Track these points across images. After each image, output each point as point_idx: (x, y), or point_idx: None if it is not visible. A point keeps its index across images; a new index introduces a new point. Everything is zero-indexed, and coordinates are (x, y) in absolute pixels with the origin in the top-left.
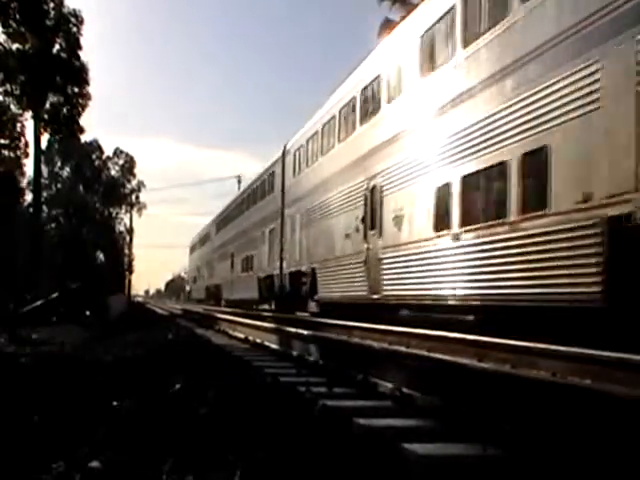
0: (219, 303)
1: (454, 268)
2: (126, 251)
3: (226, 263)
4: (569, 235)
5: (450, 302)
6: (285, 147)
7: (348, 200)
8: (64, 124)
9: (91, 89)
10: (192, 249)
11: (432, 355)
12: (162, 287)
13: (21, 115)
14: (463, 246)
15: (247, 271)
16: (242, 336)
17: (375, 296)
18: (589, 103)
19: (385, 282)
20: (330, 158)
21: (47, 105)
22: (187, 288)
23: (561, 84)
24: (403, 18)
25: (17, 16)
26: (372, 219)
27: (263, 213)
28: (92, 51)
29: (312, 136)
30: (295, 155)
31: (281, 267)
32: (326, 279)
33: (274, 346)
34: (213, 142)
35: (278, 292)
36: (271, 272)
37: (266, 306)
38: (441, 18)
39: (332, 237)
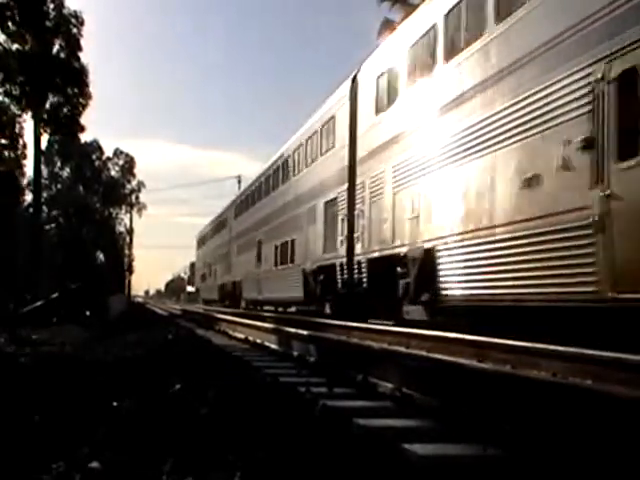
0: (237, 305)
1: None
2: (126, 251)
3: (250, 255)
4: None
5: None
6: (355, 77)
7: (537, 115)
8: (64, 124)
9: (91, 90)
10: (200, 242)
11: (431, 355)
12: (162, 287)
13: (20, 116)
14: None
15: (284, 263)
16: (242, 336)
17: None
18: None
19: None
20: (479, 54)
21: (47, 105)
22: (188, 289)
23: None
24: (403, 18)
25: (17, 17)
26: (622, 136)
27: (313, 180)
28: (92, 52)
29: (423, 38)
30: (380, 81)
31: (350, 253)
32: (462, 265)
33: (274, 346)
34: (213, 142)
35: (343, 289)
36: (330, 261)
37: (304, 308)
38: None
39: (482, 192)
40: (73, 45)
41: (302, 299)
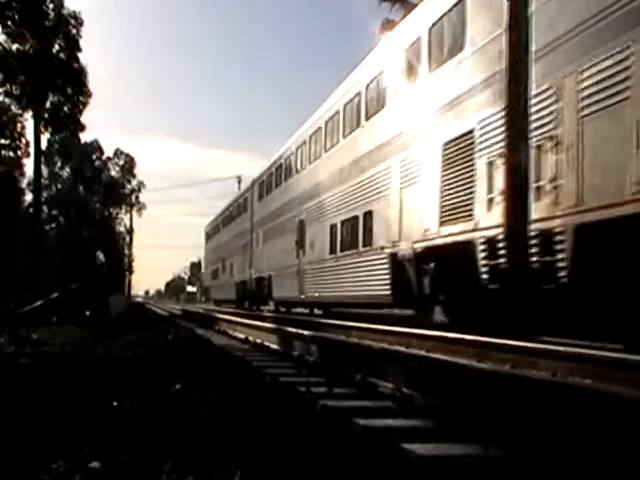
0: (258, 306)
1: None
2: (126, 251)
3: (283, 242)
4: None
5: None
6: None
7: None
8: (64, 123)
9: (91, 89)
10: (209, 234)
11: (431, 355)
12: (162, 287)
13: (21, 115)
14: None
15: (351, 247)
16: (242, 336)
17: None
18: None
19: None
20: None
21: (47, 104)
22: (189, 288)
23: None
24: (403, 18)
25: (17, 17)
26: None
27: (412, 114)
28: (92, 51)
29: None
30: None
31: (516, 219)
32: None
33: (274, 346)
34: (214, 142)
35: (493, 283)
36: (456, 237)
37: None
38: None
39: None
40: (72, 46)
41: (389, 299)
